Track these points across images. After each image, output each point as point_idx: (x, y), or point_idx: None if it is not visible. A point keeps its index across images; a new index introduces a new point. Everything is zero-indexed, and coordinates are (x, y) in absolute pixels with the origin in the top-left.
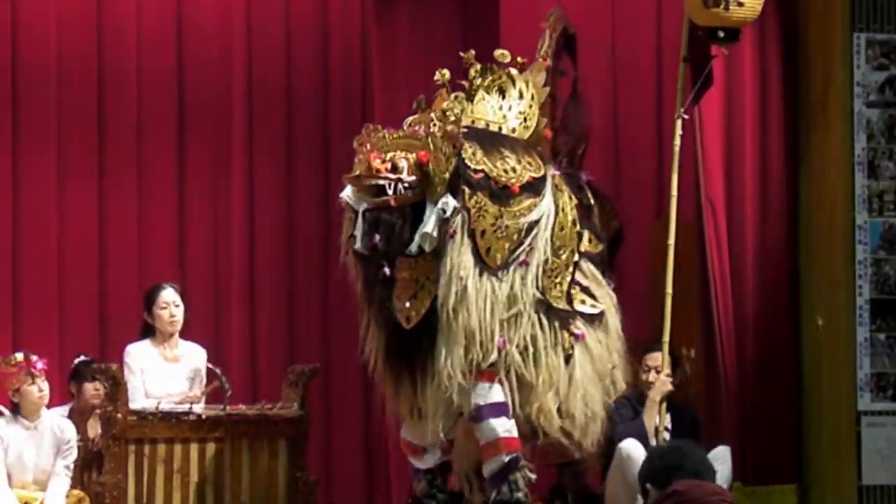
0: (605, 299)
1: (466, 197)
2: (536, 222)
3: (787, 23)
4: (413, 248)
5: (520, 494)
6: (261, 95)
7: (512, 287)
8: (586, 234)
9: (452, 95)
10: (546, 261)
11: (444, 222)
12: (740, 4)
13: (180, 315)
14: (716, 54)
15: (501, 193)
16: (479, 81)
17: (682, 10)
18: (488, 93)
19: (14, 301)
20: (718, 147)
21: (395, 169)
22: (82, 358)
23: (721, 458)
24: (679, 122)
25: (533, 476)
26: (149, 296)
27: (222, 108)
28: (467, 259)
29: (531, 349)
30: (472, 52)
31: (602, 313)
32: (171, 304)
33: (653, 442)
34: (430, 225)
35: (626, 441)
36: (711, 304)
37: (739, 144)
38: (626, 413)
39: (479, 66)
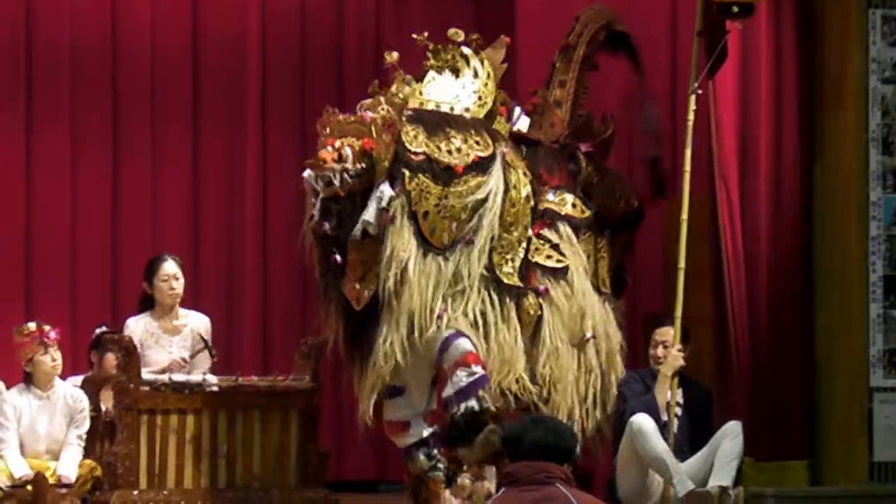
0: (575, 259)
1: (407, 180)
2: (484, 200)
3: None
4: (356, 232)
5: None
6: (275, 68)
7: (458, 265)
8: (570, 199)
9: (402, 78)
10: (493, 238)
11: (382, 210)
12: None
13: (180, 288)
14: (730, 29)
15: (444, 174)
16: (430, 62)
17: None
18: (439, 73)
19: (27, 271)
20: (733, 123)
21: (340, 158)
22: (104, 328)
23: (732, 433)
24: (693, 98)
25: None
26: (150, 266)
27: (237, 83)
28: (408, 241)
29: (481, 323)
30: (426, 33)
31: (566, 268)
32: (171, 276)
33: (664, 417)
34: (369, 212)
35: (637, 416)
36: (724, 280)
37: (754, 120)
38: (637, 388)
39: (431, 47)
